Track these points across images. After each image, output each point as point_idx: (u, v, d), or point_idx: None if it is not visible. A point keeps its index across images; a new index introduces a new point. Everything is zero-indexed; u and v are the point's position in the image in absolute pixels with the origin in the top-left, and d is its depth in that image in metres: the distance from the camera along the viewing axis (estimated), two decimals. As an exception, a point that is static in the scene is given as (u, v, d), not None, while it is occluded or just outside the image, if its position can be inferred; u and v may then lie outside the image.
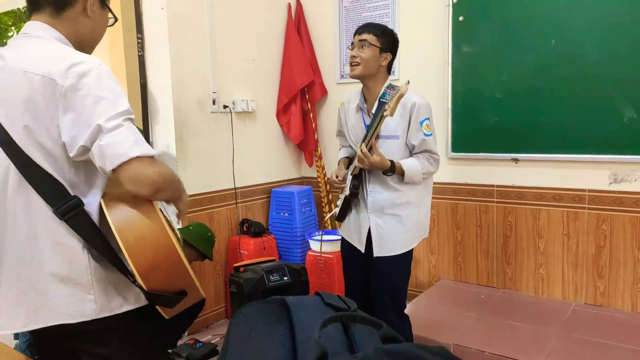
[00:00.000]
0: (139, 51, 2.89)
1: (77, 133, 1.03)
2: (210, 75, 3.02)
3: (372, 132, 1.93)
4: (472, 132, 3.02)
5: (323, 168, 3.64)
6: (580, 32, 2.64)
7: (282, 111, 3.54)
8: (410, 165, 1.98)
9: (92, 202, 1.12)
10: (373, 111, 2.03)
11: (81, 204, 1.09)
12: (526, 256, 2.93)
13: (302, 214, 3.40)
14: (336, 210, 2.23)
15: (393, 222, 2.04)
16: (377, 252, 2.06)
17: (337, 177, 2.13)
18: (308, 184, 3.73)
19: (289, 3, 3.57)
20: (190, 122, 2.92)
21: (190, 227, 2.55)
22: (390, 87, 2.02)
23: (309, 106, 3.58)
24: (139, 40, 2.87)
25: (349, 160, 2.23)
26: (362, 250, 2.11)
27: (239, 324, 0.69)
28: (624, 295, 2.67)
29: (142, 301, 1.17)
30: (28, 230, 1.09)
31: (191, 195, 2.88)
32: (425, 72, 3.13)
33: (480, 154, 3.01)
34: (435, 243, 3.24)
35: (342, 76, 3.54)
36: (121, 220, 1.07)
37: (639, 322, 2.54)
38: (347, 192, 2.11)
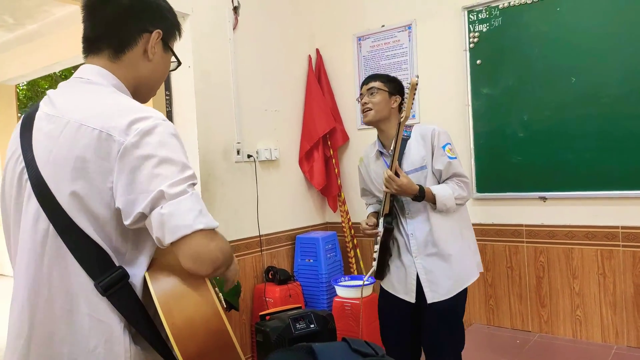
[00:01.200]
0: (167, 107, 3.02)
1: (135, 198, 0.89)
2: (234, 127, 3.11)
3: (394, 154, 1.90)
4: (497, 172, 3.00)
5: (347, 213, 3.64)
6: (600, 72, 2.65)
7: (305, 158, 3.60)
8: (440, 189, 1.93)
9: (137, 273, 0.98)
10: (392, 148, 2.01)
11: (126, 276, 0.95)
12: (561, 297, 2.82)
13: (327, 259, 3.38)
14: (374, 265, 2.09)
15: (441, 262, 1.95)
16: (431, 297, 1.94)
17: (367, 224, 2.06)
18: (332, 229, 3.73)
19: (309, 55, 3.71)
20: (216, 172, 3.00)
21: (217, 278, 2.54)
22: (407, 126, 2.03)
23: (332, 152, 3.63)
24: (167, 97, 3.01)
25: (378, 214, 2.16)
26: (413, 300, 1.98)
27: (267, 371, 0.69)
28: (670, 337, 2.53)
29: None
30: (63, 304, 0.94)
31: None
32: (446, 115, 3.17)
33: (507, 193, 2.97)
34: (465, 286, 3.15)
35: (363, 123, 3.60)
36: (169, 298, 0.93)
37: (689, 366, 2.39)
38: (380, 229, 2.01)
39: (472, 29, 3.06)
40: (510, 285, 2.99)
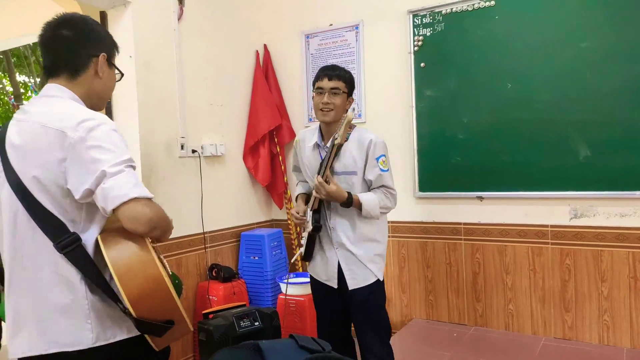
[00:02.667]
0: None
1: (83, 179, 1.16)
2: (178, 120, 3.02)
3: (326, 163, 1.99)
4: (438, 172, 3.11)
5: (293, 210, 3.64)
6: (534, 78, 2.80)
7: (250, 154, 3.56)
8: (367, 198, 2.04)
9: (89, 238, 1.24)
10: (328, 145, 2.10)
11: (79, 239, 1.22)
12: (495, 292, 2.97)
13: (273, 257, 3.36)
14: (302, 250, 2.24)
15: (360, 253, 2.09)
16: (352, 284, 2.08)
17: (297, 213, 2.18)
18: (278, 226, 3.72)
19: (257, 50, 3.67)
20: (158, 166, 2.90)
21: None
22: (350, 126, 2.09)
23: (278, 149, 3.62)
24: (106, 87, 2.87)
25: (307, 196, 2.28)
26: (335, 285, 2.13)
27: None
28: (591, 328, 2.72)
29: (135, 332, 1.25)
30: (33, 263, 1.23)
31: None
32: (391, 115, 3.24)
33: (447, 192, 3.08)
34: (407, 282, 3.25)
35: (310, 120, 3.61)
36: (114, 252, 1.18)
37: (606, 354, 2.58)
38: (309, 227, 2.13)
39: (416, 33, 3.14)
40: (448, 281, 3.11)
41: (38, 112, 1.26)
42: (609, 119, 2.62)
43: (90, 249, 1.23)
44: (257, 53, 3.67)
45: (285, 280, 2.84)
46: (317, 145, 2.17)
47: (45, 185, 1.20)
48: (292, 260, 2.45)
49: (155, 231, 1.19)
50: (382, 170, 2.07)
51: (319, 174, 2.02)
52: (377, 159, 2.06)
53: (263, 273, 3.31)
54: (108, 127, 1.21)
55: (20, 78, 10.29)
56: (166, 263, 1.41)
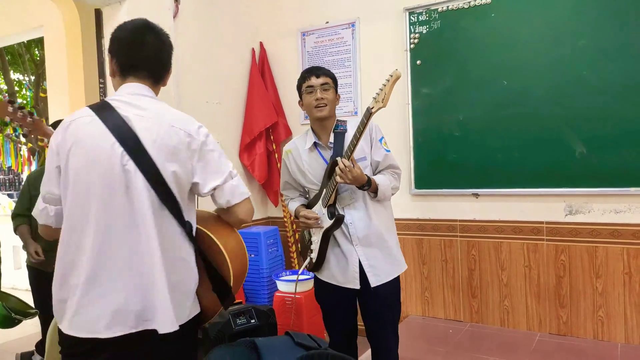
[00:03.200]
0: (100, 95, 2.87)
1: (213, 177, 1.36)
2: (174, 118, 3.01)
3: (353, 144, 1.88)
4: (434, 169, 3.11)
5: (289, 207, 3.64)
6: (530, 75, 2.81)
7: (246, 152, 3.56)
8: (381, 179, 2.02)
9: (193, 224, 1.41)
10: (330, 141, 2.04)
11: (192, 226, 1.39)
12: (490, 289, 2.99)
13: (269, 254, 3.37)
14: (312, 255, 2.10)
15: (380, 248, 2.03)
16: (375, 281, 2.00)
17: (309, 217, 2.04)
18: (274, 224, 3.72)
19: (253, 48, 3.66)
20: (154, 164, 2.89)
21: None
22: (339, 121, 2.08)
23: (274, 147, 3.62)
24: (101, 85, 2.86)
25: (305, 207, 2.16)
26: (357, 286, 2.01)
27: (208, 368, 0.68)
28: (586, 324, 2.74)
29: (197, 308, 1.40)
30: (152, 247, 1.29)
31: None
32: (387, 112, 3.22)
33: (443, 189, 3.09)
34: (403, 278, 3.24)
35: (306, 117, 3.61)
36: (223, 239, 1.41)
37: (600, 349, 2.60)
38: (327, 223, 2.00)
39: (412, 30, 3.15)
40: (444, 278, 3.13)
41: (158, 111, 1.36)
42: (604, 116, 2.64)
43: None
44: (253, 51, 3.66)
45: (287, 278, 2.83)
46: (314, 147, 2.10)
47: (181, 180, 1.33)
48: (301, 268, 2.29)
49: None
50: (386, 150, 2.08)
51: (343, 157, 1.91)
52: (380, 140, 2.08)
53: (259, 270, 3.32)
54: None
55: (14, 76, 10.24)
56: None
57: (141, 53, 1.41)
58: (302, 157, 2.14)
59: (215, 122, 3.35)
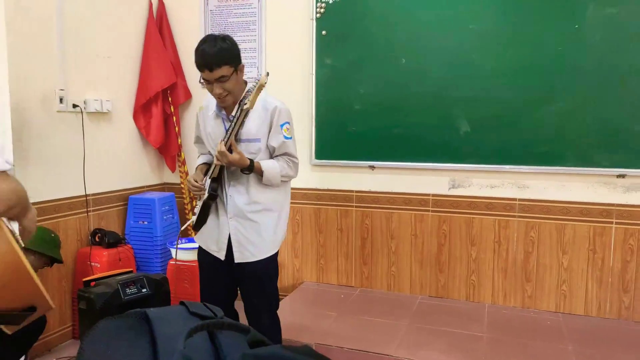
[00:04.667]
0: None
1: None
2: (57, 71, 2.72)
3: (231, 130, 1.93)
4: (334, 141, 3.19)
5: (187, 174, 3.52)
6: (427, 54, 2.96)
7: (142, 113, 3.34)
8: (269, 166, 2.02)
9: None
10: (233, 114, 2.02)
11: None
12: (380, 256, 3.18)
13: (164, 221, 3.24)
14: (194, 218, 2.16)
15: (252, 229, 2.05)
16: (238, 258, 2.06)
17: (195, 181, 2.07)
18: (170, 190, 3.57)
19: (150, 1, 3.40)
20: (32, 121, 2.60)
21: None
22: (250, 92, 2.00)
23: (172, 109, 3.44)
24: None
25: (207, 166, 2.19)
26: (222, 257, 2.08)
27: (93, 342, 0.64)
28: (460, 287, 3.05)
29: None
30: None
31: (33, 203, 2.56)
32: (291, 81, 3.22)
33: (341, 161, 3.19)
34: (299, 247, 3.34)
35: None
36: None
37: (472, 309, 2.91)
38: (205, 196, 2.06)
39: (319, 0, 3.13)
40: (339, 246, 3.26)
41: None
42: (487, 97, 2.87)
43: None
44: (151, 4, 3.40)
45: (175, 246, 2.77)
46: (217, 114, 2.08)
47: None
48: (182, 228, 2.32)
49: (13, 210, 0.97)
50: (285, 137, 2.04)
51: (222, 140, 1.95)
52: (282, 126, 2.03)
53: (153, 238, 3.19)
54: None
55: None
56: (18, 236, 1.15)
57: None
58: (207, 120, 2.13)
59: (106, 79, 3.08)
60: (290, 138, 2.07)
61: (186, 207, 3.53)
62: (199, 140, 2.27)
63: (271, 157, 2.08)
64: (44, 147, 2.67)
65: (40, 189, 2.65)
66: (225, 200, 2.07)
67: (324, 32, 3.14)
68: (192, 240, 3.23)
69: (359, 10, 3.06)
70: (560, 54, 2.74)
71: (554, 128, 2.78)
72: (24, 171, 2.55)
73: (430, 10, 2.93)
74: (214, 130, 2.10)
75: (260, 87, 1.85)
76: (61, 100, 2.75)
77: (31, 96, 2.59)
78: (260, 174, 2.01)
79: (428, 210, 3.06)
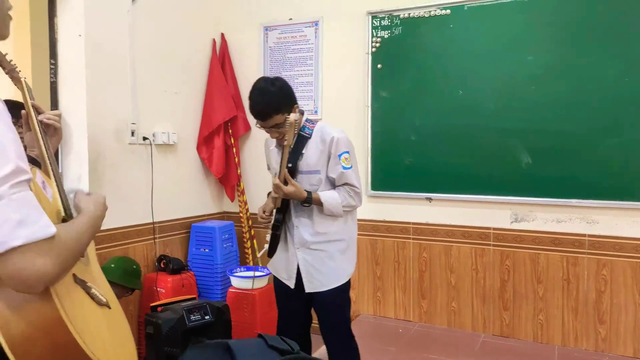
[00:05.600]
0: (51, 77, 2.73)
1: None
2: (129, 106, 2.92)
3: (281, 164, 2.00)
4: (390, 172, 3.18)
5: (245, 203, 3.61)
6: (482, 87, 2.93)
7: (204, 145, 3.49)
8: (329, 197, 2.02)
9: None
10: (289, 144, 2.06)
11: None
12: (440, 290, 3.09)
13: (224, 249, 3.32)
14: (266, 247, 2.20)
15: (321, 257, 2.06)
16: (308, 287, 2.08)
17: (263, 212, 2.12)
18: (229, 219, 3.67)
19: (214, 39, 3.59)
20: (106, 153, 2.78)
21: (112, 265, 2.52)
22: (309, 121, 2.10)
23: (232, 141, 3.57)
24: (52, 66, 2.72)
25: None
26: (292, 286, 2.12)
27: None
28: (527, 326, 2.90)
29: None
30: None
31: (104, 231, 2.72)
32: (347, 114, 3.28)
33: (398, 192, 3.17)
34: (356, 278, 3.31)
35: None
36: (5, 308, 0.81)
37: (539, 351, 2.75)
38: (270, 226, 2.12)
39: (375, 34, 3.19)
40: (396, 279, 3.20)
41: None
42: (548, 129, 2.78)
43: None
44: (214, 42, 3.59)
45: (242, 274, 2.82)
46: (277, 147, 2.16)
47: None
48: (258, 255, 2.39)
49: (58, 279, 0.84)
50: (344, 167, 2.03)
51: (276, 174, 2.03)
52: (340, 156, 2.03)
53: (213, 266, 3.27)
54: None
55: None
56: (95, 291, 1.07)
57: None
58: (271, 150, 2.21)
59: (173, 113, 3.26)
60: (350, 167, 2.05)
61: (244, 235, 3.60)
62: (269, 167, 2.33)
63: (333, 187, 2.09)
64: (116, 176, 2.83)
65: (112, 216, 2.79)
66: (291, 230, 2.10)
67: (379, 66, 3.18)
68: (251, 269, 3.29)
69: (414, 44, 3.09)
70: (624, 84, 2.63)
71: (620, 161, 2.65)
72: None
73: (488, 41, 2.92)
74: (276, 160, 2.16)
75: (292, 126, 1.91)
76: (132, 133, 2.93)
77: (106, 129, 2.78)
78: (320, 205, 2.01)
79: (489, 245, 2.96)
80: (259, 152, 3.59)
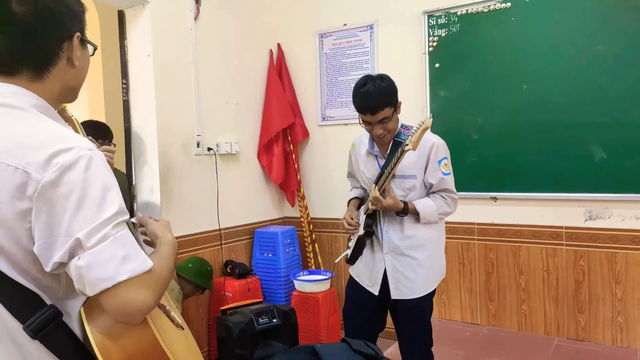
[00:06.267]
0: (123, 96, 2.91)
1: (52, 242, 0.80)
2: (195, 119, 3.05)
3: (387, 173, 1.92)
4: (453, 172, 3.11)
5: (306, 208, 3.67)
6: (548, 80, 2.81)
7: (264, 152, 3.59)
8: (425, 205, 1.98)
9: (74, 307, 0.90)
10: (388, 152, 2.02)
11: (58, 314, 0.87)
12: (508, 293, 3.00)
13: (286, 254, 3.39)
14: (348, 252, 2.18)
15: (411, 265, 2.01)
16: (395, 294, 2.02)
17: (351, 218, 2.11)
18: (291, 223, 3.74)
19: (271, 49, 3.69)
20: (175, 165, 2.93)
21: (190, 265, 2.73)
22: (404, 126, 2.04)
23: (291, 147, 3.64)
24: (124, 86, 2.90)
25: (359, 200, 2.23)
26: (376, 292, 2.06)
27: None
28: (605, 329, 2.75)
29: None
30: None
31: (175, 237, 2.85)
32: (406, 116, 3.22)
33: (461, 192, 3.07)
34: (419, 281, 3.27)
35: (324, 118, 3.63)
36: (105, 337, 0.86)
37: (619, 355, 2.60)
38: (361, 231, 2.07)
39: (431, 33, 3.16)
40: (461, 281, 3.14)
41: None
42: (623, 121, 2.63)
43: (75, 325, 0.89)
44: (271, 52, 3.69)
45: (304, 278, 2.88)
46: (369, 153, 2.10)
47: (3, 248, 0.83)
48: (336, 261, 2.38)
49: (155, 306, 0.87)
50: (444, 174, 2.00)
51: (376, 184, 1.96)
52: (439, 162, 1.99)
53: (276, 270, 3.35)
54: (91, 160, 0.83)
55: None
56: (174, 315, 1.13)
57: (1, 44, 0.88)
58: (360, 157, 2.16)
59: (234, 123, 3.38)
60: (449, 174, 2.03)
61: (306, 239, 3.66)
62: (351, 175, 2.32)
63: (427, 193, 2.05)
64: (184, 187, 2.97)
65: (181, 224, 2.94)
66: (380, 236, 2.06)
67: (437, 65, 3.14)
68: (314, 273, 3.34)
69: (472, 41, 3.02)
70: None
71: None
72: (168, 209, 2.86)
73: (553, 32, 2.80)
74: (367, 167, 2.12)
75: (425, 130, 1.81)
76: (198, 144, 3.07)
77: (174, 142, 2.92)
78: (415, 214, 1.98)
79: (562, 244, 2.84)
80: (318, 158, 3.65)
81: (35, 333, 0.84)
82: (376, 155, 2.08)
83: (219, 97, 3.26)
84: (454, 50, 3.09)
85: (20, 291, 0.85)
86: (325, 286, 3.11)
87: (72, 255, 0.79)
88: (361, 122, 1.99)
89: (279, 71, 3.69)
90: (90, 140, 2.33)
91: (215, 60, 3.22)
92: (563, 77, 2.78)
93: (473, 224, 3.09)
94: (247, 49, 3.49)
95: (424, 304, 2.04)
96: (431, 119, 1.85)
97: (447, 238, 3.14)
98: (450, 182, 2.02)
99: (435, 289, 2.08)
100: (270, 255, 3.38)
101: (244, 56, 3.46)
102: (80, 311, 0.89)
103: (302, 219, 3.68)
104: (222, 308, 2.66)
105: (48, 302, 0.87)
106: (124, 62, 2.89)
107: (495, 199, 3.00)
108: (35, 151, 0.80)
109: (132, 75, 2.88)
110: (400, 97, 3.24)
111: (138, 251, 0.84)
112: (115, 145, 2.69)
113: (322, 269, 3.54)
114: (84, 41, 0.96)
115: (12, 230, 0.81)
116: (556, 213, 2.84)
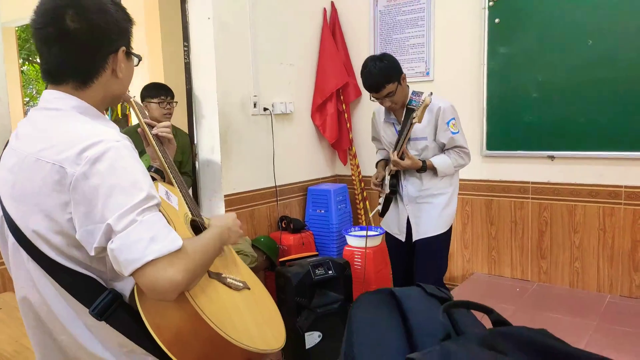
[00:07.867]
0: (185, 59, 3.03)
1: (92, 229, 0.88)
2: (251, 80, 3.15)
3: (403, 139, 2.20)
4: (508, 131, 3.10)
5: (357, 166, 3.75)
6: (617, 35, 2.70)
7: (318, 112, 3.66)
8: (441, 161, 2.28)
9: (123, 288, 0.99)
10: (402, 119, 2.30)
11: (118, 296, 0.96)
12: (562, 250, 3.01)
13: (338, 210, 3.52)
14: (379, 207, 2.52)
15: (427, 208, 2.34)
16: (415, 236, 2.36)
17: (376, 179, 2.45)
18: (342, 181, 3.85)
19: (325, 8, 3.68)
20: (233, 124, 3.06)
21: (262, 239, 3.08)
22: (415, 93, 2.25)
23: (344, 107, 3.69)
24: (185, 48, 3.01)
25: (386, 161, 2.52)
26: (403, 238, 2.41)
27: (360, 308, 0.81)
28: (660, 288, 2.74)
29: None
30: (58, 334, 0.99)
31: (234, 194, 3.03)
32: (461, 74, 3.22)
33: (516, 151, 3.08)
34: (469, 238, 3.33)
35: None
36: (155, 315, 0.93)
37: (675, 314, 2.60)
38: (387, 190, 2.40)
39: (491, -14, 3.06)
40: (512, 239, 3.17)
41: (31, 137, 0.96)
42: (697, 77, 2.51)
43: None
44: (325, 11, 3.68)
45: (356, 233, 3.03)
46: (386, 120, 2.39)
47: (49, 240, 0.93)
48: (370, 215, 2.74)
49: (193, 284, 0.93)
50: (452, 133, 2.26)
51: (395, 149, 2.25)
52: (447, 123, 2.24)
53: (329, 225, 3.48)
54: (118, 151, 0.90)
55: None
56: (232, 279, 1.15)
57: (52, 56, 0.96)
58: (380, 124, 2.46)
59: (289, 84, 3.45)
60: (458, 132, 2.28)
61: (357, 197, 3.76)
62: (375, 139, 2.62)
63: (441, 150, 2.33)
64: (242, 146, 3.11)
65: (240, 182, 3.10)
66: (401, 190, 2.41)
67: (497, 20, 3.06)
68: (364, 229, 3.45)
69: (535, -7, 2.91)
70: None
71: None
72: (228, 167, 3.01)
73: (622, -17, 2.66)
74: (386, 132, 2.44)
75: (425, 107, 2.07)
76: (255, 105, 3.17)
77: (232, 103, 3.04)
78: (433, 170, 2.28)
79: (620, 203, 2.80)
80: (369, 117, 3.67)
81: (100, 315, 0.93)
82: (393, 123, 2.37)
83: (274, 57, 3.33)
84: (516, 5, 2.99)
85: (79, 277, 0.95)
86: (376, 241, 3.23)
87: (107, 239, 0.86)
88: (371, 98, 2.28)
89: (332, 30, 3.69)
90: (159, 101, 2.40)
91: (271, 21, 3.27)
92: (633, 31, 2.65)
93: (527, 182, 3.08)
94: (302, 9, 3.51)
95: (435, 242, 2.34)
96: (430, 97, 2.08)
97: (499, 197, 3.19)
98: (459, 139, 2.27)
99: (449, 236, 2.38)
100: (322, 211, 3.51)
101: (298, 17, 3.48)
102: (133, 292, 0.96)
103: (353, 177, 3.78)
104: (281, 259, 2.84)
105: (106, 285, 0.97)
106: (185, 25, 2.99)
107: (552, 157, 2.97)
108: (69, 148, 0.89)
109: (192, 38, 2.99)
110: (456, 55, 3.23)
111: (167, 232, 0.88)
112: (177, 102, 2.84)
113: (373, 225, 3.65)
114: (129, 53, 1.03)
115: (56, 221, 0.91)
116: (617, 172, 2.79)
